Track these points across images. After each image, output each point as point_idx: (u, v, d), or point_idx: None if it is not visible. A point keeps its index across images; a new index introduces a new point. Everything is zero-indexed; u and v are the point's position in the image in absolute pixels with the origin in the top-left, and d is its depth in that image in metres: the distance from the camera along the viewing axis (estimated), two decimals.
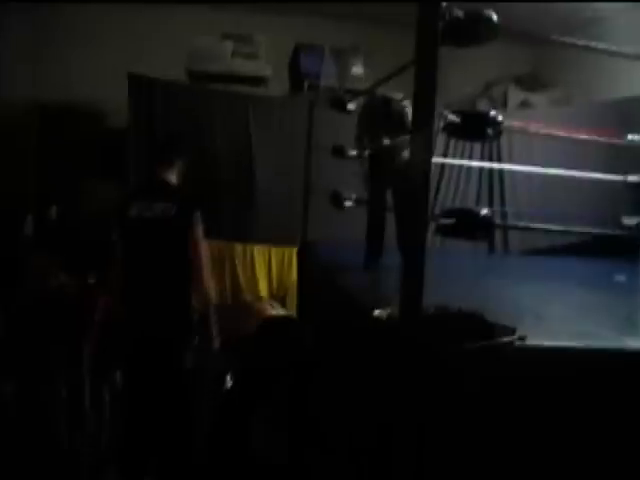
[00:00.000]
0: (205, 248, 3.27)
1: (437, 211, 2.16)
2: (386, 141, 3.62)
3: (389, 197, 3.72)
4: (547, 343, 2.03)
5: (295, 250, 5.10)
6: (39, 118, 6.14)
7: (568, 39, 2.58)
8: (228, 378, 3.77)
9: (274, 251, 5.38)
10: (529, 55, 7.11)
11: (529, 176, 5.29)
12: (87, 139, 5.92)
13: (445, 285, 2.49)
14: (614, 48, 2.49)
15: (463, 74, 6.05)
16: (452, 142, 5.27)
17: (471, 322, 1.98)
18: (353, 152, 3.97)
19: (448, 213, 2.11)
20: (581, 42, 2.54)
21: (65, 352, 3.60)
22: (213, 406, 3.57)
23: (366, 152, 3.80)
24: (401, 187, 3.40)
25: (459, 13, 1.95)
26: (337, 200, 4.09)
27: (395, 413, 1.96)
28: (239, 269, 5.27)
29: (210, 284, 3.24)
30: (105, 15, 6.33)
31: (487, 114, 2.12)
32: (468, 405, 1.92)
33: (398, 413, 1.95)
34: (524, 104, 6.73)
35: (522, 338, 1.97)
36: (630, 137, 3.35)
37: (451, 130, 2.17)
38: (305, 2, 6.12)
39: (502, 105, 6.75)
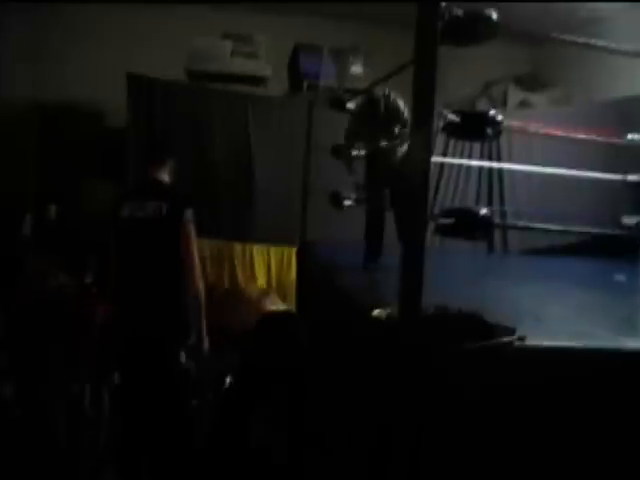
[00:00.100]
0: (195, 246, 3.23)
1: (436, 211, 2.16)
2: (383, 138, 3.62)
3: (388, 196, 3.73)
4: (547, 343, 2.03)
5: (294, 250, 5.10)
6: (38, 118, 6.14)
7: (568, 37, 2.57)
8: (227, 379, 3.76)
9: (273, 251, 5.37)
10: (529, 55, 7.12)
11: (529, 175, 5.29)
12: (86, 139, 5.92)
13: (445, 285, 2.49)
14: (614, 45, 2.48)
15: (463, 73, 6.05)
16: (452, 141, 5.27)
17: (471, 322, 1.98)
18: (355, 151, 3.97)
19: (447, 213, 2.11)
20: (581, 40, 2.53)
21: (64, 352, 3.59)
22: (212, 405, 3.57)
23: (354, 151, 3.81)
24: (400, 187, 3.39)
25: (459, 12, 1.94)
26: (336, 200, 4.08)
27: (394, 413, 1.95)
28: (238, 269, 5.27)
29: (200, 284, 3.20)
30: (105, 15, 6.32)
31: (486, 114, 2.12)
32: (468, 405, 1.92)
33: (397, 413, 1.94)
34: (524, 104, 6.72)
35: (522, 338, 1.97)
36: (630, 136, 3.34)
37: (450, 130, 2.16)
38: (304, 2, 6.11)
39: (502, 105, 6.74)
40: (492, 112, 2.12)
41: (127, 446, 3.26)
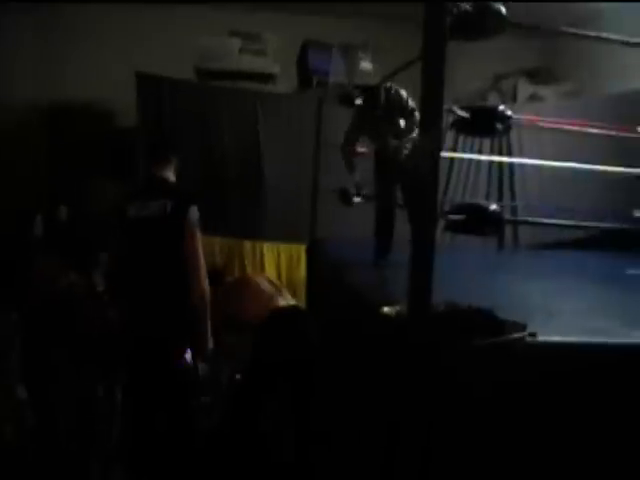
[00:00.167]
0: (199, 243, 3.22)
1: (447, 207, 2.14)
2: (388, 131, 3.60)
3: (398, 192, 3.71)
4: (558, 339, 2.01)
5: (304, 247, 5.10)
6: (48, 118, 6.16)
7: (578, 30, 2.55)
8: (237, 376, 3.76)
9: (283, 248, 5.37)
10: (539, 48, 7.06)
11: (539, 169, 5.25)
12: (96, 139, 5.94)
13: (454, 281, 2.48)
14: (624, 39, 2.46)
15: (472, 67, 6.03)
16: (461, 136, 5.24)
17: (481, 319, 1.97)
18: (362, 149, 3.95)
19: (457, 209, 2.09)
20: (592, 33, 2.51)
21: (75, 351, 3.60)
22: (220, 403, 3.57)
23: (359, 147, 3.80)
24: (409, 183, 3.38)
25: (467, 7, 1.93)
26: (345, 197, 4.07)
27: (404, 411, 1.94)
28: (248, 266, 5.26)
29: (205, 284, 3.19)
30: (113, 14, 6.34)
31: (495, 109, 2.10)
32: (478, 403, 1.91)
33: (407, 411, 1.93)
34: (534, 97, 6.69)
35: (533, 334, 1.95)
36: None
37: (460, 126, 2.14)
38: (312, 1, 6.10)
39: (511, 99, 6.71)
40: (501, 107, 2.09)
41: (134, 445, 3.27)
